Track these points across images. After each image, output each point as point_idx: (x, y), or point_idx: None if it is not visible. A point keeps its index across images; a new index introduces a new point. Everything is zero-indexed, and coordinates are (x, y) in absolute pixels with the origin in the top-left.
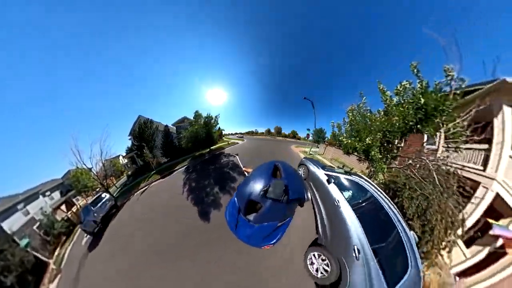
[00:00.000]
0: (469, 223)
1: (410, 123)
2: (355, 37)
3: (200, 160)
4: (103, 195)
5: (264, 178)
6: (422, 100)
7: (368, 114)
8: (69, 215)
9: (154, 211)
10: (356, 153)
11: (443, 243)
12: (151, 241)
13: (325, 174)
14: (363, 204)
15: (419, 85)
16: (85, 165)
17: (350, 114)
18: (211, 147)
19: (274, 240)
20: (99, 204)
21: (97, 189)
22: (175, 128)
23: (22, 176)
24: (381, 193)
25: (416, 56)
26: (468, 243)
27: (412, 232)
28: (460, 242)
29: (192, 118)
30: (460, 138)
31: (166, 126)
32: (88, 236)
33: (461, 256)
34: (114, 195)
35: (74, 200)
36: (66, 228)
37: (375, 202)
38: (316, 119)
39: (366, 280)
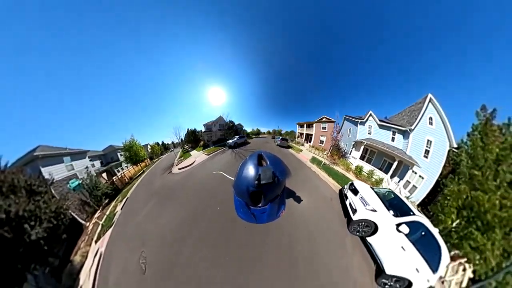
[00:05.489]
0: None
1: None
2: (355, 36)
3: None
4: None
5: (253, 170)
6: None
7: None
8: (115, 180)
9: None
10: None
11: None
12: None
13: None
14: None
15: None
16: None
17: None
18: (257, 135)
19: (283, 207)
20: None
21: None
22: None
23: None
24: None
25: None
26: None
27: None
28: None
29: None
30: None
31: (235, 124)
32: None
33: None
34: None
35: (115, 171)
36: (111, 190)
37: None
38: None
39: None
